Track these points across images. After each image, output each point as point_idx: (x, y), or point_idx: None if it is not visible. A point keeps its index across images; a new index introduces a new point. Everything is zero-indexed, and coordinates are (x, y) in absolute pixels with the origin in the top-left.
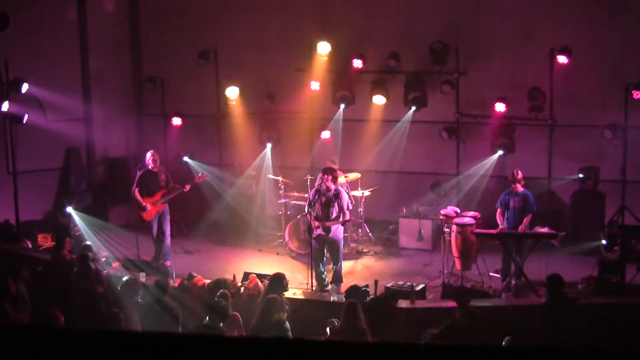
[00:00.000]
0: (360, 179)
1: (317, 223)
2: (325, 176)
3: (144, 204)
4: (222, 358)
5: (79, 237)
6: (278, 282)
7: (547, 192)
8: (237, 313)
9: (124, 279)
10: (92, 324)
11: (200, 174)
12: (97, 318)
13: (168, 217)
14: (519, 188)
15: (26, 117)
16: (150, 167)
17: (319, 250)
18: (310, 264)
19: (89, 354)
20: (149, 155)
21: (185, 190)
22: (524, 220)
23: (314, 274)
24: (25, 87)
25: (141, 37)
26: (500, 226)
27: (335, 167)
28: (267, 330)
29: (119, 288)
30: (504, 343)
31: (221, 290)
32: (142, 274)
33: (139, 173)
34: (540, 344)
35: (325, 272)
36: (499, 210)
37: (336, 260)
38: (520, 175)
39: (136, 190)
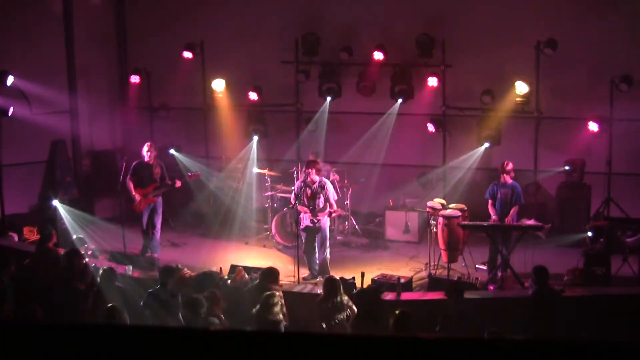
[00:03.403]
0: (347, 171)
1: (305, 209)
2: (309, 169)
3: (133, 194)
4: (212, 352)
5: (64, 230)
6: (270, 276)
7: (533, 184)
8: (221, 315)
9: (103, 268)
10: (77, 318)
11: (192, 173)
12: (79, 314)
13: (160, 211)
14: (508, 180)
15: (11, 109)
16: (145, 159)
17: (309, 241)
18: (297, 256)
19: (72, 349)
20: (145, 147)
21: (176, 186)
22: (511, 211)
23: (304, 265)
24: (10, 80)
25: (127, 30)
26: (492, 217)
27: (317, 159)
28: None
29: (98, 278)
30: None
31: (211, 291)
32: (129, 267)
33: (130, 164)
34: (524, 337)
35: (316, 263)
36: (490, 201)
37: (323, 249)
38: (510, 166)
39: (129, 181)
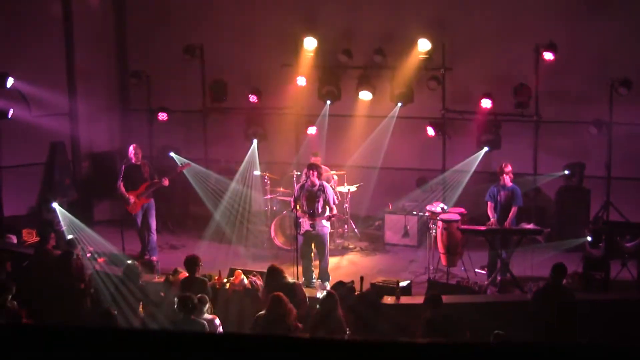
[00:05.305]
0: (346, 174)
1: (303, 215)
2: (311, 172)
3: (127, 196)
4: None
5: (63, 232)
6: (275, 275)
7: (532, 189)
8: (215, 316)
9: (128, 262)
10: (75, 320)
11: (181, 164)
12: (80, 314)
13: (153, 212)
14: (508, 182)
15: (11, 112)
16: (132, 160)
17: (306, 246)
18: (296, 259)
19: (72, 351)
20: (131, 148)
21: (164, 184)
22: (510, 214)
23: (300, 269)
24: (10, 82)
25: (126, 32)
26: (491, 219)
27: (318, 159)
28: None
29: (123, 272)
30: (491, 338)
31: (201, 296)
32: None
33: (122, 167)
34: (528, 341)
35: (312, 268)
36: (489, 203)
37: (322, 256)
38: (509, 168)
39: (121, 185)
